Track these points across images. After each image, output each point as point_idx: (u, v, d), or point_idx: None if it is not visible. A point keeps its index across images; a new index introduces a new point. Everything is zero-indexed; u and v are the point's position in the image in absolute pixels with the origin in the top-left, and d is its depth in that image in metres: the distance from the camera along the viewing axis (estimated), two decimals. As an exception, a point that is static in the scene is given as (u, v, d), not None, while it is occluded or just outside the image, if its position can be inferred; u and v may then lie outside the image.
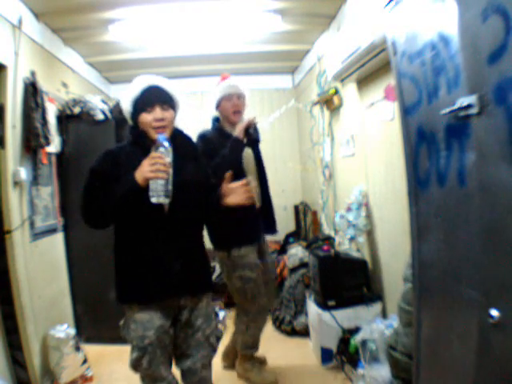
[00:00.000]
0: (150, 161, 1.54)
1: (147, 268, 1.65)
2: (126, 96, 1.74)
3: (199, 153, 1.90)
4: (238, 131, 2.42)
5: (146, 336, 1.65)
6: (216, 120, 2.59)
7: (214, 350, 1.81)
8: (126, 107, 1.73)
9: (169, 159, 1.56)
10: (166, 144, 1.58)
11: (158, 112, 1.67)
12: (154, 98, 1.69)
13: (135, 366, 1.69)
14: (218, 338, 1.82)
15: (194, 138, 1.92)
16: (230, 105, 2.48)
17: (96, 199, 1.62)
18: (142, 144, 1.70)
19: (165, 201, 1.55)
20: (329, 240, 3.26)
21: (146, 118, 1.67)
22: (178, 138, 1.74)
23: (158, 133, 1.65)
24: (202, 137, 2.48)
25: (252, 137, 2.46)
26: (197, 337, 1.74)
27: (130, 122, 1.77)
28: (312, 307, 2.92)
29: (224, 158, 2.38)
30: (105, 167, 1.66)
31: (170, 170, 1.56)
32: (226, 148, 2.40)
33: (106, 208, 1.61)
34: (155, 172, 1.52)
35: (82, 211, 1.65)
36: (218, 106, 2.54)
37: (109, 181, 1.61)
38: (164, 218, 1.66)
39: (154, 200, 1.53)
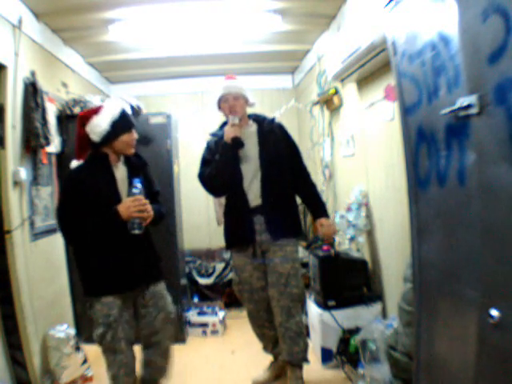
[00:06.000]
0: (133, 202, 1.96)
1: (119, 267, 2.02)
2: (103, 118, 2.01)
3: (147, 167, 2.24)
4: (225, 136, 2.38)
5: (111, 314, 1.99)
6: (224, 124, 2.54)
7: (173, 324, 2.20)
8: (103, 127, 2.00)
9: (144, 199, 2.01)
10: (140, 186, 2.00)
11: (134, 134, 2.08)
12: (131, 121, 2.09)
13: (100, 340, 2.02)
14: (172, 313, 2.18)
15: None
16: (227, 106, 2.43)
17: (73, 219, 1.97)
18: (104, 164, 2.05)
19: (140, 232, 1.99)
20: (329, 240, 3.26)
21: (128, 137, 2.05)
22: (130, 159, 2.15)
23: (128, 162, 2.11)
24: (206, 144, 2.55)
25: (237, 144, 2.39)
26: (161, 315, 2.12)
27: (96, 139, 2.02)
28: (312, 307, 2.92)
29: (216, 165, 2.39)
30: (73, 188, 1.99)
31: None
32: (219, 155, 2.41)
33: (86, 228, 1.97)
34: (139, 212, 1.96)
35: (61, 226, 2.01)
36: (219, 108, 2.51)
37: (78, 199, 1.96)
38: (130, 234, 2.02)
39: (133, 232, 1.97)
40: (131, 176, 2.08)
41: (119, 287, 2.03)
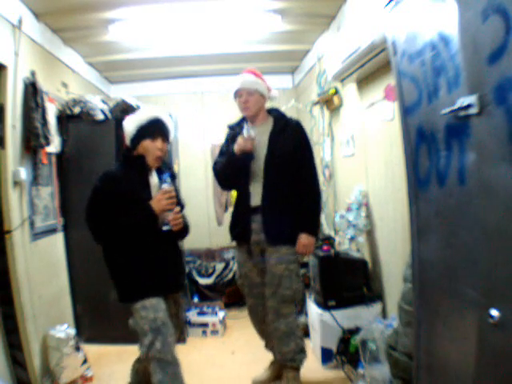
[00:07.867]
0: (164, 195, 1.92)
1: (158, 269, 1.97)
2: (132, 120, 2.00)
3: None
4: (236, 147, 2.34)
5: (158, 317, 1.87)
6: (243, 118, 2.54)
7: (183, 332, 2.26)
8: (130, 130, 1.99)
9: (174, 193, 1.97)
10: (169, 180, 1.98)
11: (160, 143, 2.00)
12: (159, 130, 2.00)
13: (148, 350, 1.83)
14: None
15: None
16: (240, 102, 2.43)
17: (104, 218, 1.90)
18: (139, 167, 2.01)
19: (171, 228, 1.98)
20: (329, 240, 3.26)
21: (150, 145, 1.98)
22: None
23: (159, 170, 2.06)
24: (226, 136, 2.58)
25: (245, 158, 2.38)
26: (174, 321, 2.06)
27: (127, 142, 2.02)
28: (312, 307, 2.92)
29: (222, 166, 2.44)
30: (108, 188, 1.93)
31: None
32: (229, 154, 2.41)
33: (118, 226, 1.91)
34: (171, 204, 1.93)
35: (92, 228, 1.94)
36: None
37: (112, 199, 1.91)
38: (163, 235, 1.99)
39: (165, 228, 1.96)
40: (160, 175, 2.06)
41: (161, 289, 1.96)
